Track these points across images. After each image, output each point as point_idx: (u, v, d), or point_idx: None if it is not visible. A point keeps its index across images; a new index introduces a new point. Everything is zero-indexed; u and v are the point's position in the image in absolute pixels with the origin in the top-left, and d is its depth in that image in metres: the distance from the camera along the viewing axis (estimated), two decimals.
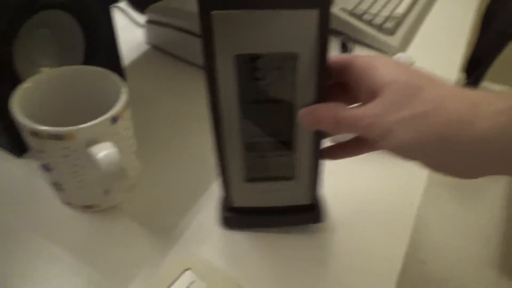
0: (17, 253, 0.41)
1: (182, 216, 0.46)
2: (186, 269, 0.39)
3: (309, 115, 0.34)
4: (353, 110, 0.31)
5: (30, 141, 0.39)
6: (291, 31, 0.31)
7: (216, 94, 0.34)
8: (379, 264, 0.42)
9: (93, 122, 0.38)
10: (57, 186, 0.43)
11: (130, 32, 0.76)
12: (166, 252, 0.42)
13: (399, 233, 0.45)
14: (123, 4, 0.80)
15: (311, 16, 0.30)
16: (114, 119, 0.39)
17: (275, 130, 0.37)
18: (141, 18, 0.74)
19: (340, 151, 0.38)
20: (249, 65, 0.32)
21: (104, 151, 0.37)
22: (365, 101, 0.31)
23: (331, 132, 0.34)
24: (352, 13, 0.79)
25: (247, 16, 0.30)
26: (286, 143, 0.38)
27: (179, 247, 0.43)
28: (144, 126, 0.52)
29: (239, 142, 0.37)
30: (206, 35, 0.30)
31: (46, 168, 0.41)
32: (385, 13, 0.79)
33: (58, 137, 0.37)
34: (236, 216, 0.43)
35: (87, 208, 0.45)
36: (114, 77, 0.43)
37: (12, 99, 0.39)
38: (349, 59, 0.33)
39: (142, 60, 0.71)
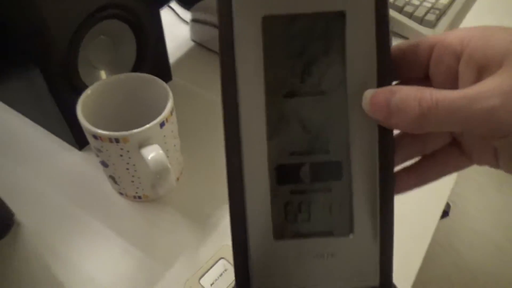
0: (78, 234, 0.49)
1: (219, 208, 0.51)
2: (220, 258, 0.45)
3: (383, 99, 0.20)
4: (458, 91, 0.19)
5: (91, 141, 0.45)
6: None
7: (233, 81, 0.22)
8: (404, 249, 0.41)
9: (144, 127, 0.43)
10: (113, 179, 0.50)
11: (177, 28, 0.81)
12: (204, 240, 0.48)
13: (428, 220, 0.48)
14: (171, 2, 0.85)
15: None
16: (162, 124, 0.45)
17: (320, 143, 0.24)
18: (188, 15, 0.78)
19: (409, 178, 0.25)
20: (281, 34, 0.23)
21: (152, 153, 0.43)
22: (465, 86, 0.20)
23: (414, 129, 0.20)
24: (393, 5, 0.79)
25: None
26: (337, 166, 0.24)
27: (215, 237, 0.49)
28: (188, 120, 0.58)
29: (264, 165, 0.23)
30: None
31: (104, 164, 0.47)
32: (428, 4, 0.78)
33: (114, 140, 0.43)
34: None
35: (138, 198, 0.51)
36: (162, 84, 0.48)
37: (77, 105, 0.45)
38: (412, 44, 0.23)
39: (187, 56, 0.76)
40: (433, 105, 0.19)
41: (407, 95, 0.20)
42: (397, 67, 0.24)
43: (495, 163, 0.22)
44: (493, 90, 0.18)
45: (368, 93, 0.21)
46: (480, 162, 0.23)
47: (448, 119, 0.19)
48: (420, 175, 0.25)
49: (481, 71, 0.20)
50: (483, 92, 0.18)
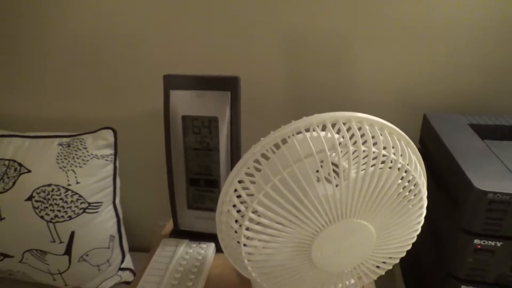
0: None
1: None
2: None
3: None
4: None
5: None
6: (214, 103, 0.53)
7: (170, 143, 0.56)
8: None
9: None
10: None
11: None
12: None
13: None
14: None
15: (226, 95, 0.53)
16: None
17: (207, 170, 0.54)
18: None
19: None
20: (189, 123, 0.55)
21: None
22: None
23: None
24: None
25: (193, 95, 0.55)
26: (215, 181, 0.56)
27: None
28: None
29: (183, 178, 0.58)
30: (166, 103, 0.55)
31: None
32: None
33: None
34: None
35: None
36: None
37: None
38: None
39: None
40: None
41: None
42: None
43: None
44: None
45: None
46: None
47: None
48: None
49: None
50: None
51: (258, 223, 0.38)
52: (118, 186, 0.85)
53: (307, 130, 0.37)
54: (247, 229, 0.37)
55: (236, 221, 0.38)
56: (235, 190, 0.38)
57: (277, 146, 0.38)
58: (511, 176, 0.47)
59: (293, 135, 0.37)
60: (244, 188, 0.38)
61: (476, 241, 0.47)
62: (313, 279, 0.42)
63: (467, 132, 0.61)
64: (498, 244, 0.47)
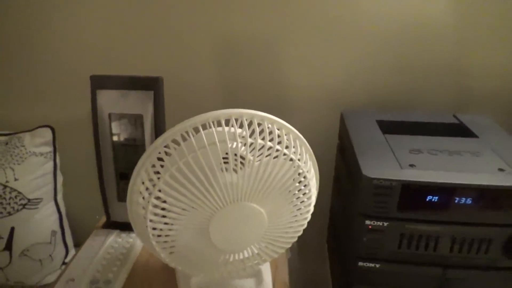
0: None
1: None
2: None
3: None
4: None
5: None
6: (138, 101, 0.57)
7: (99, 140, 0.59)
8: None
9: None
10: None
11: None
12: None
13: None
14: None
15: (149, 94, 0.57)
16: None
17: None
18: None
19: None
20: (116, 120, 0.58)
21: None
22: None
23: None
24: None
25: (118, 94, 0.63)
26: None
27: None
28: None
29: (113, 172, 0.61)
30: (93, 102, 0.59)
31: None
32: None
33: None
34: None
35: None
36: None
37: None
38: None
39: None
40: None
41: None
42: None
43: None
44: None
45: None
46: None
47: None
48: None
49: None
50: None
51: (163, 209, 0.43)
52: (59, 182, 0.87)
53: (204, 126, 0.42)
54: (153, 214, 0.42)
55: (143, 208, 0.43)
56: (143, 182, 0.43)
57: (183, 138, 0.43)
58: (397, 165, 0.55)
59: (193, 129, 0.42)
60: (150, 180, 0.43)
61: (367, 222, 0.54)
62: (215, 258, 0.47)
63: (373, 127, 0.68)
64: (385, 224, 0.54)
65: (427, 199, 0.53)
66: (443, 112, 0.78)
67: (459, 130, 0.69)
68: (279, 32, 0.78)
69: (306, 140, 0.46)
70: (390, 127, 0.68)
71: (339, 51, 0.79)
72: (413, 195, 0.53)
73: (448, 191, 0.52)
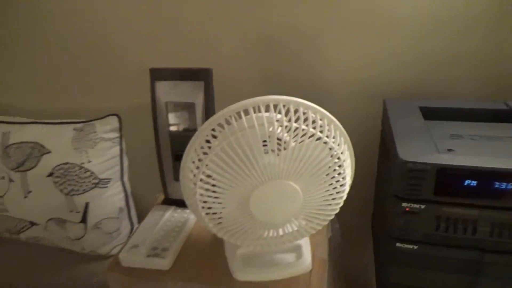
0: None
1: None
2: None
3: None
4: None
5: None
6: (191, 90, 0.65)
7: (157, 126, 0.67)
8: None
9: None
10: None
11: None
12: None
13: None
14: None
15: (201, 84, 0.65)
16: None
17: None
18: None
19: None
20: (172, 108, 0.67)
21: None
22: None
23: None
24: None
25: (173, 85, 0.68)
26: None
27: None
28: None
29: (169, 154, 0.69)
30: (153, 92, 0.68)
31: None
32: None
33: None
34: None
35: None
36: None
37: None
38: None
39: None
40: None
41: None
42: None
43: None
44: None
45: None
46: None
47: None
48: None
49: None
50: None
51: (211, 185, 0.49)
52: (126, 164, 0.98)
53: (246, 112, 0.47)
54: (202, 188, 0.48)
55: (194, 183, 0.49)
56: (193, 162, 0.49)
57: (227, 121, 0.48)
58: (435, 150, 0.56)
59: (240, 113, 0.47)
60: (199, 159, 0.49)
61: (404, 204, 0.56)
62: (257, 231, 0.52)
63: (414, 113, 0.69)
64: (422, 206, 0.56)
65: (465, 183, 0.54)
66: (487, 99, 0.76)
67: (507, 116, 0.68)
68: (319, 25, 0.81)
69: (348, 127, 0.49)
70: (433, 113, 0.68)
71: (378, 44, 0.80)
72: (450, 179, 0.54)
73: (485, 175, 0.52)
